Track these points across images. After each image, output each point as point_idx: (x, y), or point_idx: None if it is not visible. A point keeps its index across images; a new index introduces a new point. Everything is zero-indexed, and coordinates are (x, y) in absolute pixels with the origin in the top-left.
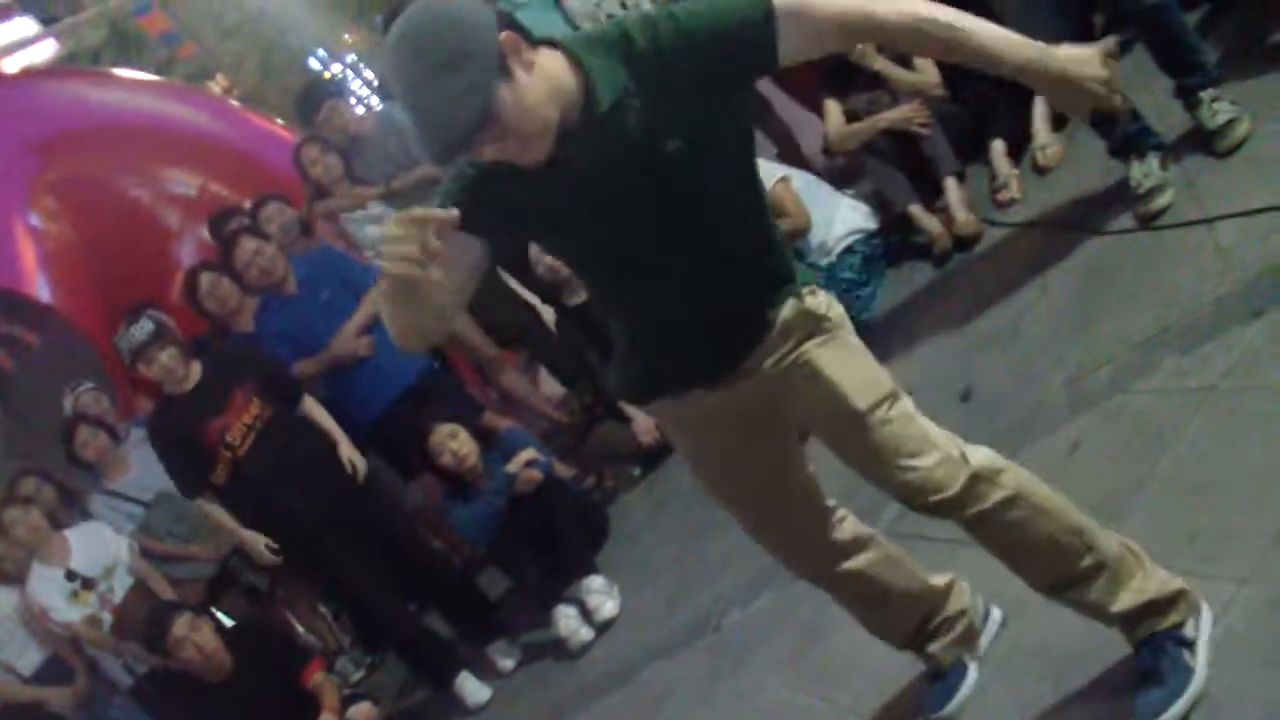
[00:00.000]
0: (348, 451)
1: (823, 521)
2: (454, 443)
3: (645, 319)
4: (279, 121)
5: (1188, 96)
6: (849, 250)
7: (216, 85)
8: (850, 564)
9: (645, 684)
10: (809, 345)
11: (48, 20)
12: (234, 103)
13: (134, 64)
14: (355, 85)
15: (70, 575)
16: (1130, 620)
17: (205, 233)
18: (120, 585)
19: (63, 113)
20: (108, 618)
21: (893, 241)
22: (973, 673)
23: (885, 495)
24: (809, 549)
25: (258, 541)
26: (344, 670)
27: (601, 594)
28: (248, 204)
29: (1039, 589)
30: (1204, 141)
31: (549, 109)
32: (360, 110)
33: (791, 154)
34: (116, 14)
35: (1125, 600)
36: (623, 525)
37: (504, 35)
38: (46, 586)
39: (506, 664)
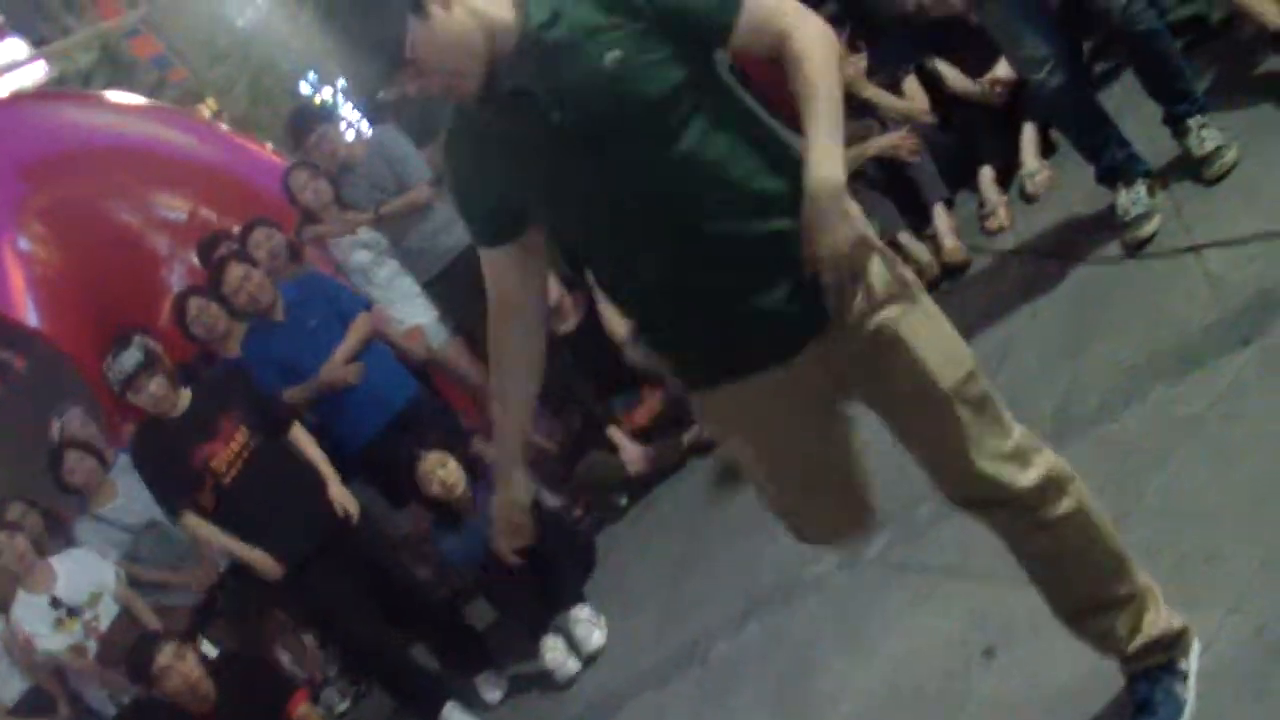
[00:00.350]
0: (338, 494)
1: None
2: (443, 471)
3: (665, 289)
4: (269, 146)
5: (1176, 123)
6: None
7: (206, 109)
8: None
9: (632, 715)
10: (891, 310)
11: (39, 42)
12: (224, 127)
13: (124, 87)
14: (345, 110)
15: (55, 603)
16: (1138, 654)
17: (194, 258)
18: (106, 613)
19: (52, 136)
20: (93, 646)
21: None
22: None
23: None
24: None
25: (263, 558)
26: (329, 701)
27: (588, 624)
28: (237, 229)
29: (1064, 610)
30: (1192, 168)
31: (472, 40)
32: (350, 135)
33: None
34: (107, 37)
35: (1140, 637)
36: (610, 555)
37: None
38: (31, 614)
39: (494, 695)
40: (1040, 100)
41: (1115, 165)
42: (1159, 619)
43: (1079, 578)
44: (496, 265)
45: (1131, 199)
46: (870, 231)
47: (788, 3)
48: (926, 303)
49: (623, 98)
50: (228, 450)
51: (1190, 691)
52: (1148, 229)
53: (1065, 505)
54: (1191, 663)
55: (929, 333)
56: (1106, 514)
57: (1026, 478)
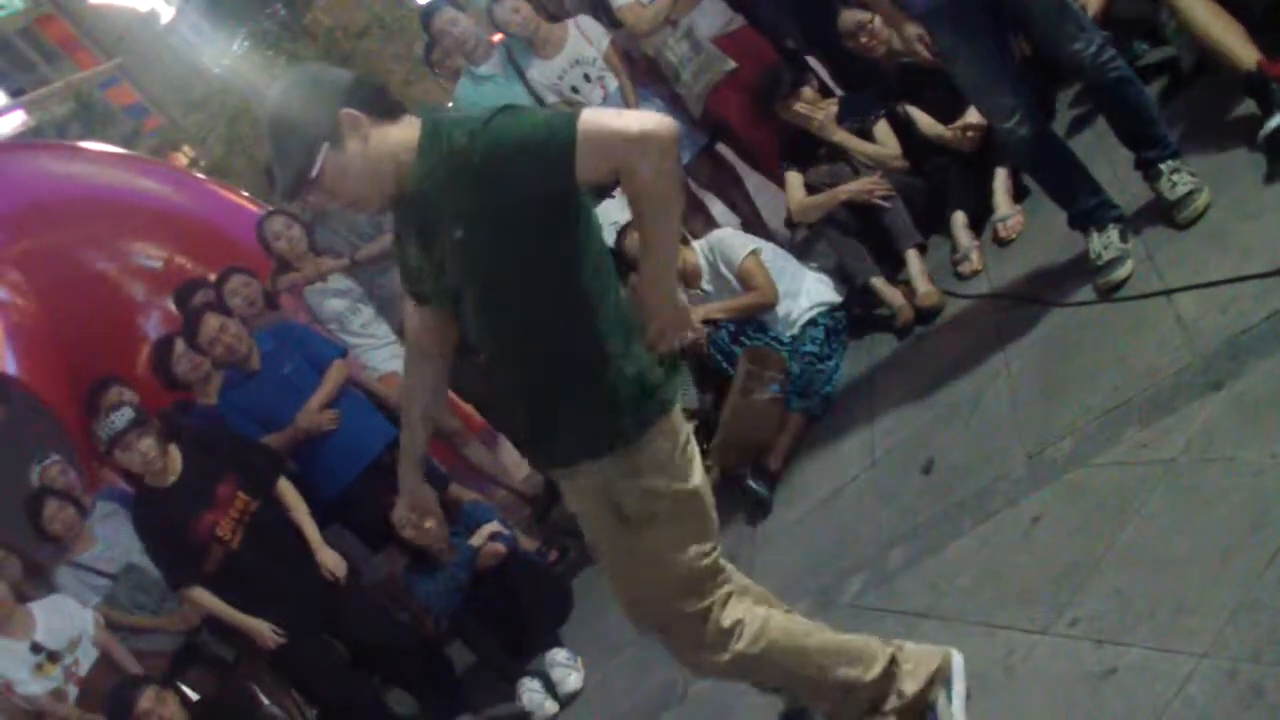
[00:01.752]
0: (325, 559)
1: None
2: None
3: (496, 386)
4: (244, 193)
5: (1147, 168)
6: (812, 323)
7: (183, 156)
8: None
9: None
10: (608, 511)
11: (16, 92)
12: (199, 175)
13: (100, 136)
14: None
15: (35, 648)
16: (900, 714)
17: (170, 305)
18: (85, 658)
19: (29, 186)
20: (73, 690)
21: (855, 314)
22: None
23: (847, 571)
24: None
25: (261, 626)
26: None
27: (565, 667)
28: (213, 276)
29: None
30: (1164, 213)
31: (378, 174)
32: None
33: (757, 226)
34: (83, 86)
35: (892, 704)
36: (586, 598)
37: (344, 111)
38: (11, 660)
39: None
40: (1010, 148)
41: (1087, 211)
42: (906, 686)
43: (815, 692)
44: (419, 318)
45: (1104, 244)
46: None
47: (623, 132)
48: (643, 531)
49: (464, 265)
50: (229, 516)
51: (955, 711)
52: (1120, 273)
53: (765, 667)
54: (955, 695)
55: (632, 564)
56: (816, 639)
57: (716, 658)
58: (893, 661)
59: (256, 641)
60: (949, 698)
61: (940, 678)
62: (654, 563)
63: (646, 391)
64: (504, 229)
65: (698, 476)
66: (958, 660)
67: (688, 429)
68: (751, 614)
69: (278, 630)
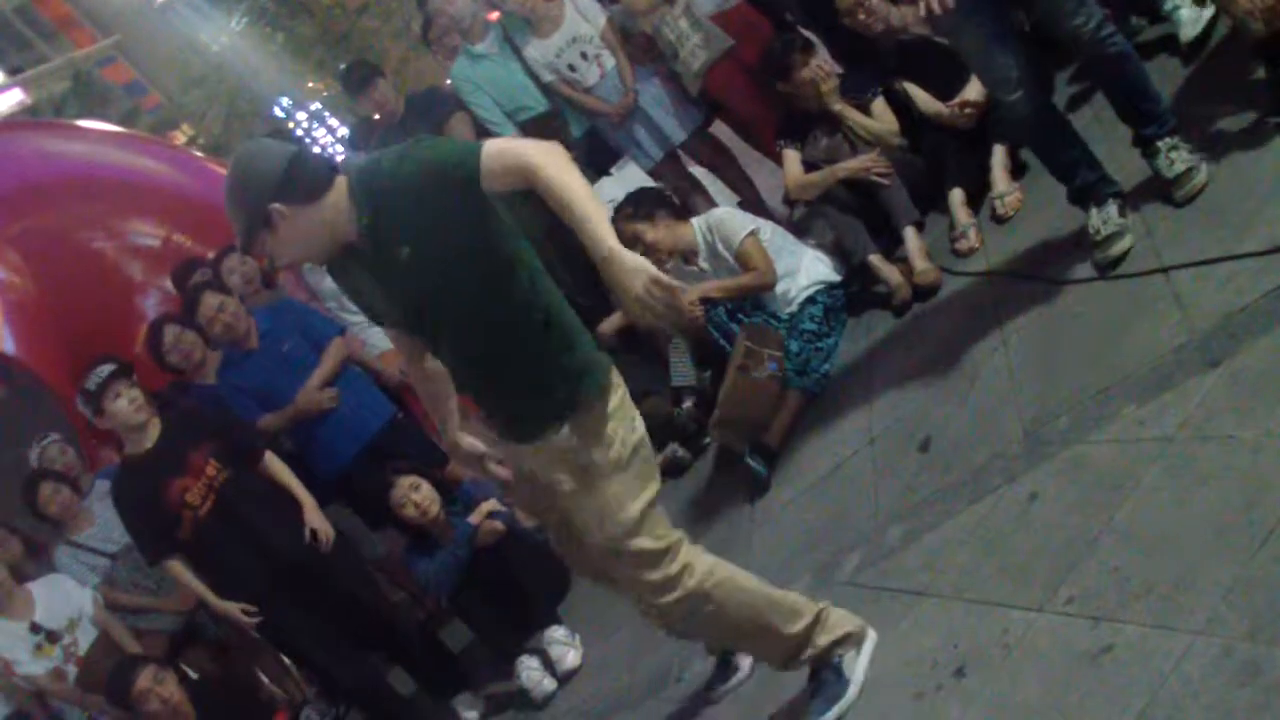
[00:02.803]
0: (316, 521)
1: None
2: (416, 495)
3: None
4: None
5: (1145, 145)
6: (810, 301)
7: (181, 134)
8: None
9: None
10: (571, 465)
11: (13, 70)
12: (197, 153)
13: (98, 114)
14: (319, 134)
15: (34, 628)
16: (811, 663)
17: (169, 284)
18: (84, 638)
19: (26, 165)
20: (72, 670)
21: (853, 291)
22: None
23: (844, 549)
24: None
25: (230, 609)
26: None
27: (564, 645)
28: (211, 255)
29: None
30: (1162, 190)
31: (327, 224)
32: None
33: (754, 204)
34: (80, 65)
35: (807, 654)
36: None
37: (272, 206)
38: (10, 640)
39: (470, 716)
40: (1012, 121)
41: (1086, 186)
42: (820, 637)
43: (745, 638)
44: (397, 339)
45: (1103, 218)
46: (659, 274)
47: (527, 144)
48: (604, 473)
49: (414, 281)
50: (199, 483)
51: (855, 677)
52: (1119, 248)
53: (706, 609)
54: (861, 656)
55: (592, 494)
56: (754, 586)
57: (668, 597)
58: (817, 619)
59: (233, 624)
60: (857, 654)
61: (853, 640)
62: (619, 505)
63: (587, 374)
64: (440, 245)
65: (640, 426)
66: (872, 635)
67: (622, 390)
68: (700, 557)
69: (249, 610)
